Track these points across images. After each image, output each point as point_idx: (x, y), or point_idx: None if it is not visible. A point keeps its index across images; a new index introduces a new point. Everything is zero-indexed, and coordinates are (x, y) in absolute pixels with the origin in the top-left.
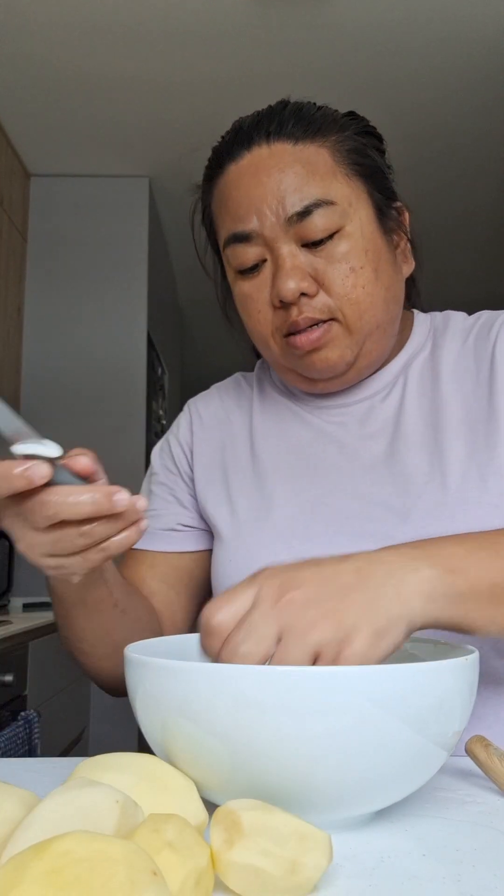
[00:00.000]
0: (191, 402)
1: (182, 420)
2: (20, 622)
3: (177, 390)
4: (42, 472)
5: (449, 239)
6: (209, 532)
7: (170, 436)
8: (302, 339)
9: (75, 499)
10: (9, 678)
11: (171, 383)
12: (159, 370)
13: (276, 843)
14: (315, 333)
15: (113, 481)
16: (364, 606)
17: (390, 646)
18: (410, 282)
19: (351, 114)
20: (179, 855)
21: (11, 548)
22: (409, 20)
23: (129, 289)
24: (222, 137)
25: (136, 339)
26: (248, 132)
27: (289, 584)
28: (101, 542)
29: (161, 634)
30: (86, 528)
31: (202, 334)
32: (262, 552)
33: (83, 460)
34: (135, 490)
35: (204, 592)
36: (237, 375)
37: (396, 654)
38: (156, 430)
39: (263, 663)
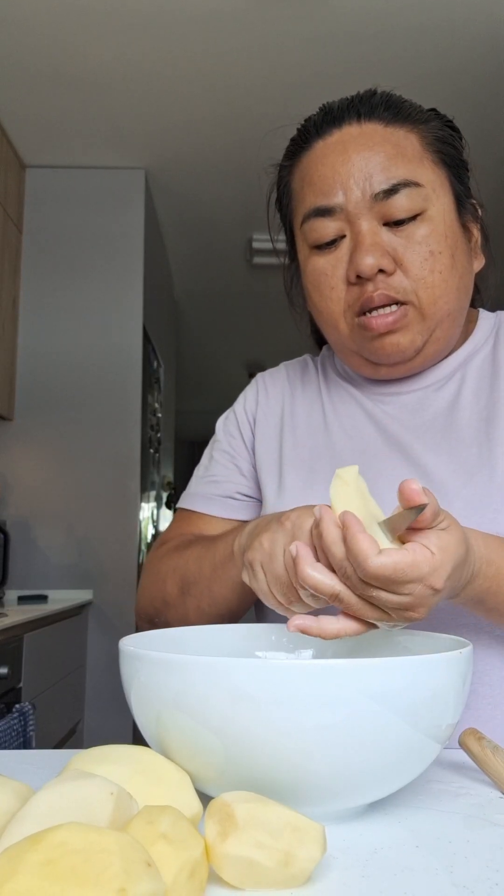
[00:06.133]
0: (259, 375)
1: (249, 391)
2: (15, 615)
3: (172, 383)
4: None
5: None
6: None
7: (236, 406)
8: (377, 322)
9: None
10: (4, 670)
11: (166, 376)
12: (155, 363)
13: (269, 835)
14: (390, 317)
15: (108, 474)
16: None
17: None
18: (476, 282)
19: (433, 109)
20: (174, 846)
21: (7, 541)
22: (408, 10)
23: (125, 281)
24: (306, 119)
25: (132, 332)
26: (339, 112)
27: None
28: None
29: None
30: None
31: (198, 327)
32: None
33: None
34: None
35: None
36: (305, 356)
37: (390, 648)
38: (151, 422)
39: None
